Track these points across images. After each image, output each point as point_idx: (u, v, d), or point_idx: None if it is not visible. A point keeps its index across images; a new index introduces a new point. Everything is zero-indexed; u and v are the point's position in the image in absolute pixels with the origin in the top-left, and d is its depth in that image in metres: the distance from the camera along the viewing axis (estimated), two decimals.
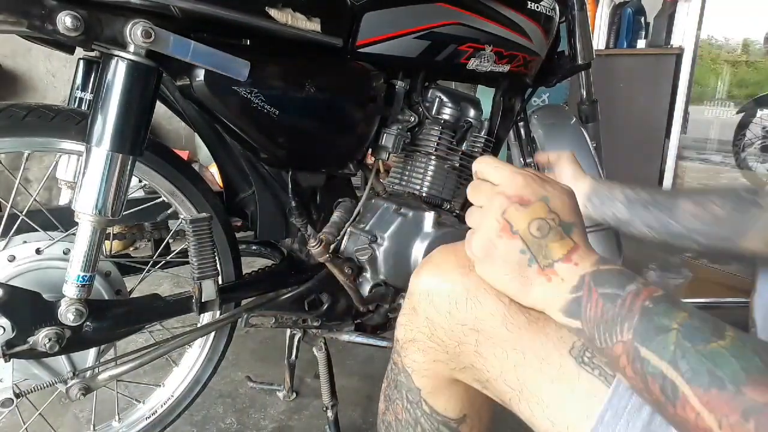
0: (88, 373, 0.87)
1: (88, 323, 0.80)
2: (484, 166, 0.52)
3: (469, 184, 0.54)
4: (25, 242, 0.84)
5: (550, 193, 0.48)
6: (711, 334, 0.37)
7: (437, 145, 1.08)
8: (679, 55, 2.84)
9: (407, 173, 1.12)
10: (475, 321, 0.51)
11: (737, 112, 2.89)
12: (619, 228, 0.81)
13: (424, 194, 1.09)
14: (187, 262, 0.92)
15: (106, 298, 0.89)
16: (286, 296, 1.05)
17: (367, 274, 1.04)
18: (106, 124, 0.73)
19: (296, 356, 1.31)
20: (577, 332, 0.46)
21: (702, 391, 0.35)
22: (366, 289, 1.04)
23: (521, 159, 1.44)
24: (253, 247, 1.22)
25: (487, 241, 0.48)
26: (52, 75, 2.57)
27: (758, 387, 0.33)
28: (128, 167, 0.76)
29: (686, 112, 2.89)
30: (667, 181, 2.93)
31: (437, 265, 0.56)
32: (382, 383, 0.66)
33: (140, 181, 0.93)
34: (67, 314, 0.77)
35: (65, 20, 0.65)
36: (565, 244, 0.47)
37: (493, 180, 0.50)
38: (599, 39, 3.14)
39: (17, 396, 0.82)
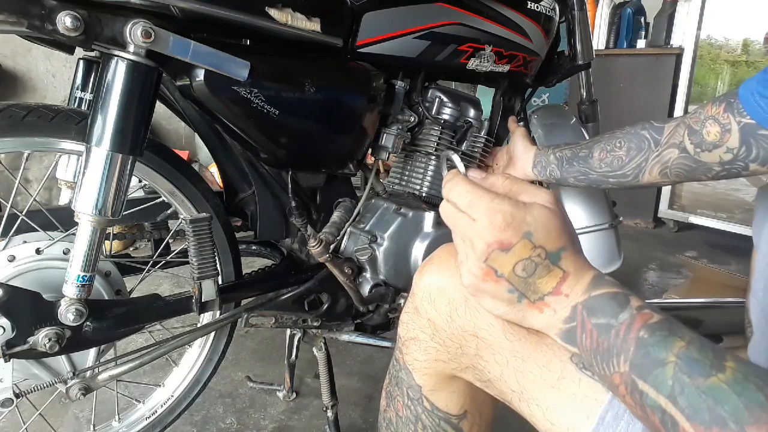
0: (88, 373, 0.87)
1: (88, 323, 0.80)
2: (458, 194, 0.48)
3: (440, 206, 0.51)
4: (25, 242, 0.84)
5: (533, 224, 0.44)
6: (710, 366, 0.35)
7: (437, 145, 1.08)
8: (679, 55, 2.84)
9: (407, 173, 1.12)
10: (475, 328, 0.52)
11: None
12: (559, 184, 0.95)
13: (424, 194, 1.09)
14: (187, 262, 0.92)
15: (106, 298, 0.89)
16: (286, 296, 1.05)
17: (367, 274, 1.04)
18: (106, 124, 0.73)
19: (296, 356, 1.31)
20: (576, 355, 0.46)
21: (703, 429, 0.34)
22: (366, 289, 1.04)
23: None
24: (253, 247, 1.22)
25: (473, 282, 0.47)
26: (52, 75, 2.57)
27: (762, 426, 0.32)
28: (128, 167, 0.76)
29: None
30: None
31: (440, 266, 0.56)
32: (384, 380, 0.66)
33: (140, 181, 0.93)
34: (67, 314, 0.77)
35: (65, 20, 0.65)
36: (554, 276, 0.45)
37: (471, 214, 0.46)
38: (599, 39, 3.14)
39: (17, 396, 0.81)
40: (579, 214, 1.27)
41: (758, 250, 0.70)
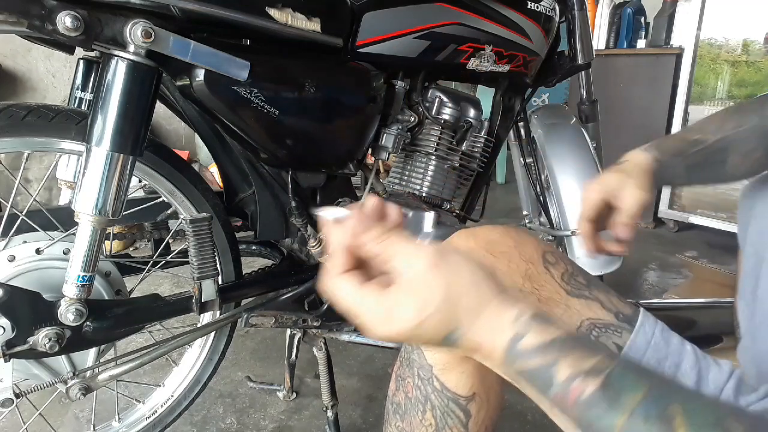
0: (88, 373, 0.87)
1: (88, 323, 0.80)
2: (329, 293, 0.41)
3: (326, 279, 0.42)
4: (25, 242, 0.84)
5: (407, 316, 0.37)
6: None
7: (437, 145, 1.08)
8: (679, 55, 2.84)
9: (407, 173, 1.12)
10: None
11: None
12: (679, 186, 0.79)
13: (424, 194, 1.09)
14: (187, 262, 0.92)
15: (106, 298, 0.89)
16: (286, 296, 1.05)
17: None
18: (106, 124, 0.73)
19: (296, 356, 1.31)
20: (581, 326, 0.46)
21: None
22: None
23: (521, 159, 1.44)
24: (253, 247, 1.22)
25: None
26: (52, 75, 2.57)
27: None
28: (128, 167, 0.76)
29: (686, 112, 2.89)
30: None
31: (456, 248, 0.56)
32: (394, 365, 0.66)
33: (140, 181, 0.93)
34: (67, 314, 0.77)
35: (65, 20, 0.65)
36: (463, 351, 0.39)
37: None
38: (599, 39, 3.13)
39: (17, 396, 0.82)
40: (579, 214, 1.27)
41: (744, 251, 0.69)
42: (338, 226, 0.41)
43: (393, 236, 0.40)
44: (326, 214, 0.45)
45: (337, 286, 0.40)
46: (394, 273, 0.39)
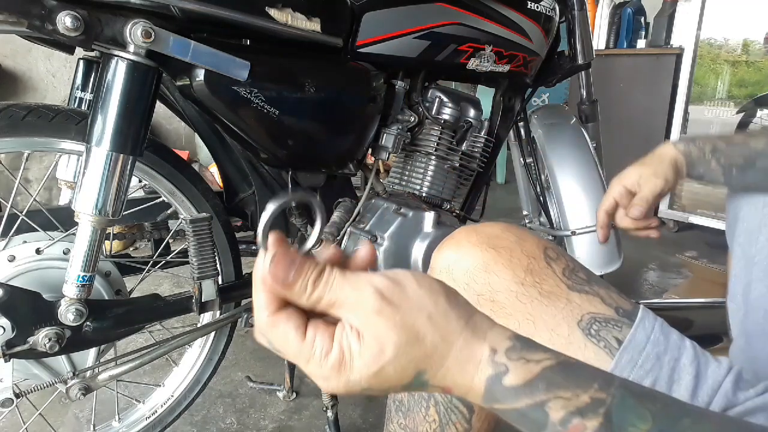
0: (88, 373, 0.87)
1: (88, 323, 0.80)
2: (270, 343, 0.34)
3: (264, 321, 0.33)
4: (25, 242, 0.84)
5: (361, 371, 0.32)
6: None
7: (437, 145, 1.08)
8: (679, 55, 2.83)
9: (407, 173, 1.12)
10: (491, 292, 0.54)
11: (737, 112, 2.88)
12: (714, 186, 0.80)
13: (424, 194, 1.09)
14: (187, 262, 0.92)
15: (106, 298, 0.89)
16: None
17: None
18: (106, 124, 0.73)
19: None
20: (583, 320, 0.47)
21: None
22: None
23: (521, 159, 1.44)
24: (253, 247, 1.22)
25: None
26: (52, 75, 2.57)
27: None
28: (128, 167, 0.76)
29: (686, 112, 2.89)
30: None
31: (459, 243, 0.58)
32: None
33: (140, 181, 0.93)
34: (67, 314, 0.77)
35: (65, 20, 0.65)
36: (434, 390, 0.35)
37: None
38: (599, 39, 3.13)
39: (17, 396, 0.82)
40: (579, 213, 1.28)
41: (733, 254, 0.70)
42: (265, 256, 0.33)
43: (329, 279, 0.33)
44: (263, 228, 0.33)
45: (270, 331, 0.33)
46: (341, 316, 0.33)
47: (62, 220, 0.90)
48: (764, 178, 0.72)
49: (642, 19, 3.06)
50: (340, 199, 1.11)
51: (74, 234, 0.78)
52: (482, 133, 1.14)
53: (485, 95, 1.28)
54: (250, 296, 1.08)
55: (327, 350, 0.32)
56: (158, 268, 1.04)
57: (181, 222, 0.96)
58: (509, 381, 0.32)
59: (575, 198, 1.29)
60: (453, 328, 0.33)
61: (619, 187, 0.74)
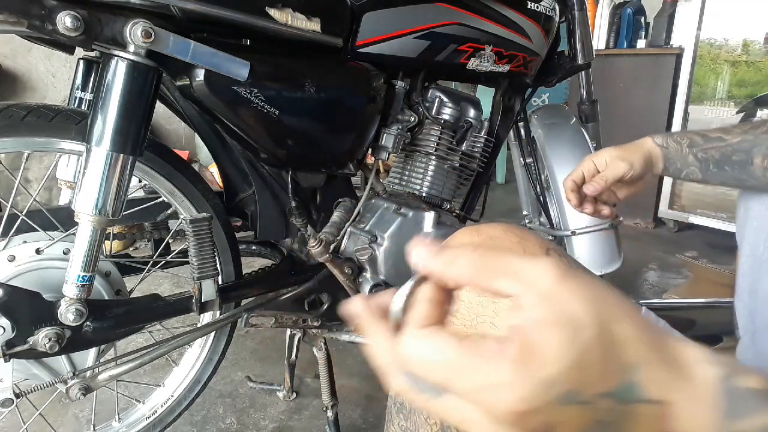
0: (88, 373, 0.87)
1: (88, 323, 0.80)
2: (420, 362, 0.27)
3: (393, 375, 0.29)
4: (25, 242, 0.84)
5: (558, 369, 0.23)
6: None
7: (437, 145, 1.08)
8: (679, 55, 2.84)
9: (407, 173, 1.12)
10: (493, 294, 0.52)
11: (737, 112, 2.88)
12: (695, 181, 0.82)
13: (424, 194, 1.09)
14: (187, 262, 0.92)
15: (106, 298, 0.89)
16: (286, 296, 1.04)
17: (367, 274, 1.04)
18: (106, 124, 0.73)
19: (296, 356, 1.31)
20: None
21: None
22: (366, 289, 1.04)
23: (521, 159, 1.44)
24: (253, 247, 1.22)
25: None
26: (52, 75, 2.57)
27: None
28: (128, 167, 0.76)
29: (686, 112, 2.89)
30: (667, 180, 2.93)
31: (461, 239, 0.57)
32: None
33: (140, 181, 0.93)
34: (67, 314, 0.77)
35: (65, 20, 0.65)
36: (646, 420, 0.25)
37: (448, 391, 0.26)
38: (599, 39, 3.13)
39: (17, 396, 0.82)
40: (579, 214, 1.27)
41: (741, 251, 0.70)
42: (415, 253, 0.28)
43: (488, 251, 0.27)
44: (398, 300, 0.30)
45: (418, 347, 0.26)
46: (508, 291, 0.26)
47: (62, 220, 0.90)
48: (740, 172, 0.73)
49: (642, 19, 3.06)
50: (340, 199, 1.11)
51: (74, 234, 0.78)
52: (482, 133, 1.14)
53: (485, 95, 1.28)
54: (250, 296, 1.08)
55: (499, 341, 0.24)
56: (158, 268, 1.04)
57: (181, 222, 0.96)
58: (746, 383, 0.24)
59: None
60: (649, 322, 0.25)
61: (589, 163, 0.79)
